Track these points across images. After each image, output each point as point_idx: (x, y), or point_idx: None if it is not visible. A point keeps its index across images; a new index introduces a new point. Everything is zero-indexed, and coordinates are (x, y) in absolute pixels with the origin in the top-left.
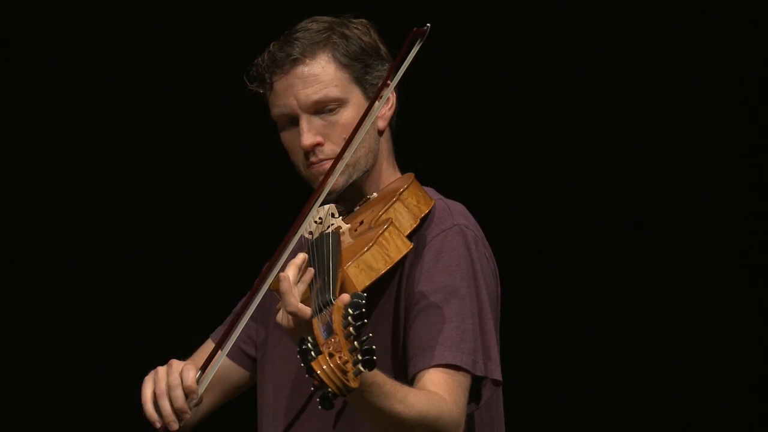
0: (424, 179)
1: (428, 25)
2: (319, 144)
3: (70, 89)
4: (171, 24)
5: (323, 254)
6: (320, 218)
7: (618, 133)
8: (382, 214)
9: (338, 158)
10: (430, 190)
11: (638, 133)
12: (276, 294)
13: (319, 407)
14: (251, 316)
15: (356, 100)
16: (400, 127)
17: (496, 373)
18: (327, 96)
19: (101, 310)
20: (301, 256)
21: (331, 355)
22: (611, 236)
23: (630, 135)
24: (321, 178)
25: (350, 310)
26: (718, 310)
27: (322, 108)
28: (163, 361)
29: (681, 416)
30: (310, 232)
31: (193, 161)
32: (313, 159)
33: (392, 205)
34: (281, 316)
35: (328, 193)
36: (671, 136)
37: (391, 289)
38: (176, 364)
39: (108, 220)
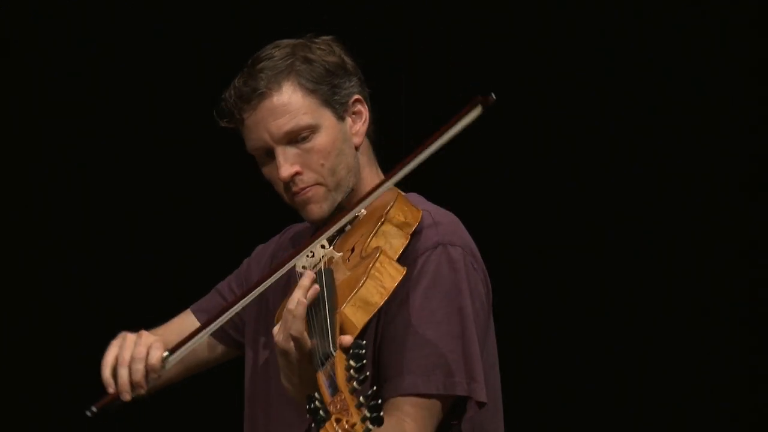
0: (416, 183)
1: (493, 95)
2: (297, 173)
3: (69, 89)
4: (171, 24)
5: (318, 297)
6: (311, 251)
7: (617, 133)
8: (371, 239)
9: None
10: (416, 197)
11: (637, 133)
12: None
13: None
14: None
15: (328, 123)
16: (382, 134)
17: (481, 395)
18: (298, 125)
19: (99, 308)
20: (310, 276)
21: (338, 420)
22: (610, 236)
23: (629, 135)
24: (309, 205)
25: (352, 363)
26: (718, 310)
27: (296, 137)
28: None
29: (681, 416)
30: (303, 267)
31: (193, 161)
32: (295, 189)
33: (380, 227)
34: (278, 332)
35: (315, 221)
36: (670, 135)
37: None
38: (146, 336)
39: (106, 219)
